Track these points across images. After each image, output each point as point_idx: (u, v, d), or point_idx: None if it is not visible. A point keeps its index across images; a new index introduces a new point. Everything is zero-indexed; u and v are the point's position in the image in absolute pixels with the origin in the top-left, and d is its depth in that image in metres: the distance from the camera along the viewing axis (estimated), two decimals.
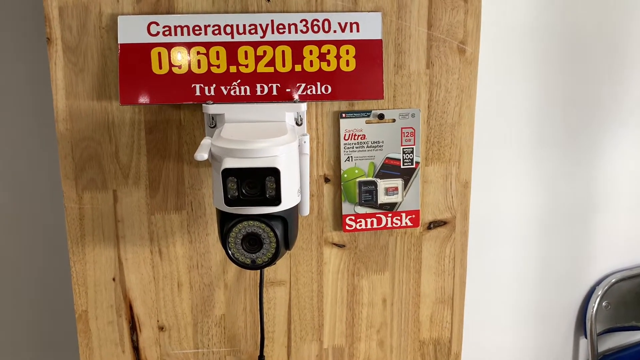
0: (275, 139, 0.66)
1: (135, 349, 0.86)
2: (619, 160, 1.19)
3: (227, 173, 0.63)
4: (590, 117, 1.15)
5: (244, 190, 0.64)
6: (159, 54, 0.75)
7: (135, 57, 0.75)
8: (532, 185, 1.16)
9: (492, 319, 1.23)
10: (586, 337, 1.28)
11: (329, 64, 0.77)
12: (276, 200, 0.65)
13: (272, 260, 0.69)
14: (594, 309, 1.26)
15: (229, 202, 0.64)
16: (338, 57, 0.77)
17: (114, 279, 0.83)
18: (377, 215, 0.84)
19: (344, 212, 0.84)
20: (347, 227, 0.84)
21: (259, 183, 0.64)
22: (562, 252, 1.21)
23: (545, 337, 1.27)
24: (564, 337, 1.28)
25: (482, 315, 1.21)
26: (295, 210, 0.71)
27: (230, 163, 0.63)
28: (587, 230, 1.22)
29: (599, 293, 1.25)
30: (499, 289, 1.21)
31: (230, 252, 0.68)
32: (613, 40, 1.12)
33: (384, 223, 0.85)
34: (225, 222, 0.68)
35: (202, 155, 0.65)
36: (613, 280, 1.26)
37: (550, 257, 1.21)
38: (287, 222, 0.69)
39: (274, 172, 0.63)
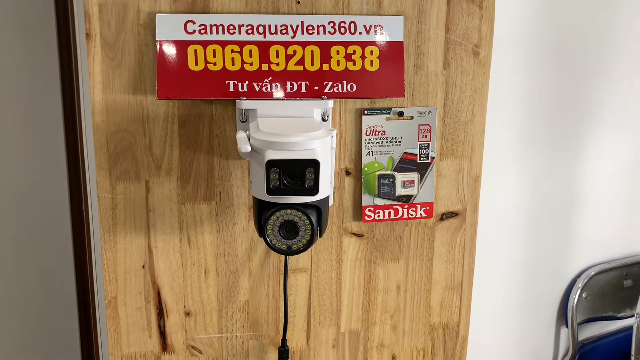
0: (313, 133, 0.71)
1: (162, 333, 0.89)
2: (600, 160, 1.25)
3: (271, 164, 0.68)
4: (575, 119, 1.20)
5: (285, 181, 0.69)
6: (195, 51, 0.79)
7: (173, 53, 0.79)
8: (519, 182, 1.20)
9: (481, 305, 1.27)
10: (567, 327, 1.33)
11: (354, 64, 0.82)
12: (314, 190, 0.69)
13: (306, 246, 0.73)
14: (575, 300, 1.31)
15: (270, 191, 0.69)
16: (363, 57, 0.83)
17: (143, 267, 0.87)
18: (394, 207, 0.90)
19: (363, 204, 0.89)
20: (367, 218, 0.90)
21: (299, 174, 0.69)
22: (545, 247, 1.26)
23: (529, 326, 1.32)
24: (546, 327, 1.33)
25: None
26: (327, 200, 0.75)
27: (273, 155, 0.68)
28: (569, 226, 1.27)
29: (579, 285, 1.31)
30: (486, 280, 1.25)
31: (267, 238, 0.73)
32: (597, 48, 1.18)
33: (400, 214, 0.90)
34: (264, 210, 0.72)
35: (246, 147, 0.70)
36: (592, 273, 1.31)
37: (535, 251, 1.26)
38: (321, 211, 0.73)
39: (314, 164, 0.68)
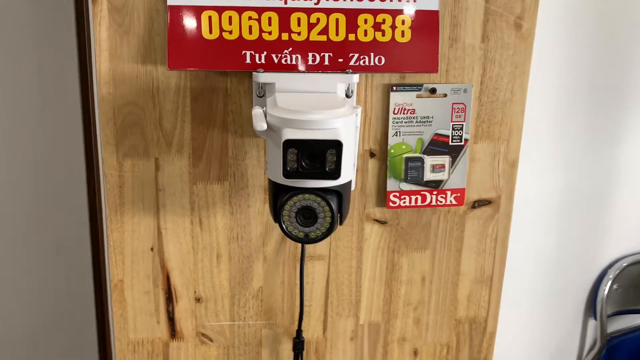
0: (336, 110, 0.64)
1: (171, 320, 0.84)
2: (638, 145, 1.18)
3: (288, 144, 0.61)
4: (615, 102, 1.13)
5: (303, 163, 0.62)
6: (210, 17, 0.72)
7: (185, 20, 0.72)
8: (551, 168, 1.14)
9: (505, 296, 1.23)
10: (595, 319, 1.28)
11: (383, 34, 0.75)
12: (335, 174, 0.63)
13: (325, 235, 0.67)
14: (605, 292, 1.26)
15: (287, 174, 0.62)
16: (393, 27, 0.75)
17: (152, 249, 0.81)
18: (421, 193, 0.83)
19: (388, 189, 0.82)
20: (391, 204, 0.83)
21: (320, 155, 0.62)
22: (577, 235, 1.21)
23: (556, 317, 1.27)
24: (573, 318, 1.29)
25: None
26: (349, 185, 0.69)
27: (291, 134, 0.61)
28: (602, 214, 1.21)
29: (611, 276, 1.26)
30: (514, 267, 1.21)
31: (283, 225, 0.67)
32: None
33: (428, 201, 0.83)
34: (280, 194, 0.66)
35: (262, 125, 0.63)
36: (624, 264, 1.27)
37: (565, 239, 1.21)
38: (342, 197, 0.67)
39: (337, 145, 0.61)
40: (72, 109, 0.99)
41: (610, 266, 1.26)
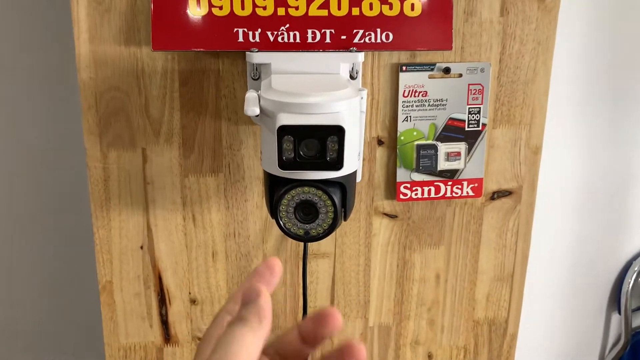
0: (338, 92, 0.57)
1: (164, 323, 0.78)
2: None
3: (284, 131, 0.54)
4: (636, 87, 1.06)
5: (301, 152, 0.55)
6: None
7: None
8: (572, 155, 1.08)
9: (526, 293, 1.18)
10: (619, 313, 1.23)
11: (391, 8, 0.67)
12: (337, 163, 0.56)
13: (328, 232, 0.60)
14: (630, 285, 1.21)
15: (283, 165, 0.55)
16: None
17: (141, 247, 0.75)
18: (435, 184, 0.75)
19: (398, 179, 0.75)
20: (402, 196, 0.76)
21: (319, 143, 0.55)
22: (599, 226, 1.16)
23: (578, 311, 1.22)
24: (596, 313, 1.24)
25: None
26: (353, 176, 0.62)
27: (287, 119, 0.54)
28: (625, 204, 1.15)
29: (636, 269, 1.21)
30: (534, 259, 1.15)
31: (281, 221, 0.60)
32: None
33: (442, 192, 0.76)
34: (277, 187, 0.59)
35: (253, 109, 0.56)
36: None
37: (587, 230, 1.15)
38: (346, 189, 0.60)
39: (338, 131, 0.54)
40: (77, 101, 0.94)
41: (635, 258, 1.22)
